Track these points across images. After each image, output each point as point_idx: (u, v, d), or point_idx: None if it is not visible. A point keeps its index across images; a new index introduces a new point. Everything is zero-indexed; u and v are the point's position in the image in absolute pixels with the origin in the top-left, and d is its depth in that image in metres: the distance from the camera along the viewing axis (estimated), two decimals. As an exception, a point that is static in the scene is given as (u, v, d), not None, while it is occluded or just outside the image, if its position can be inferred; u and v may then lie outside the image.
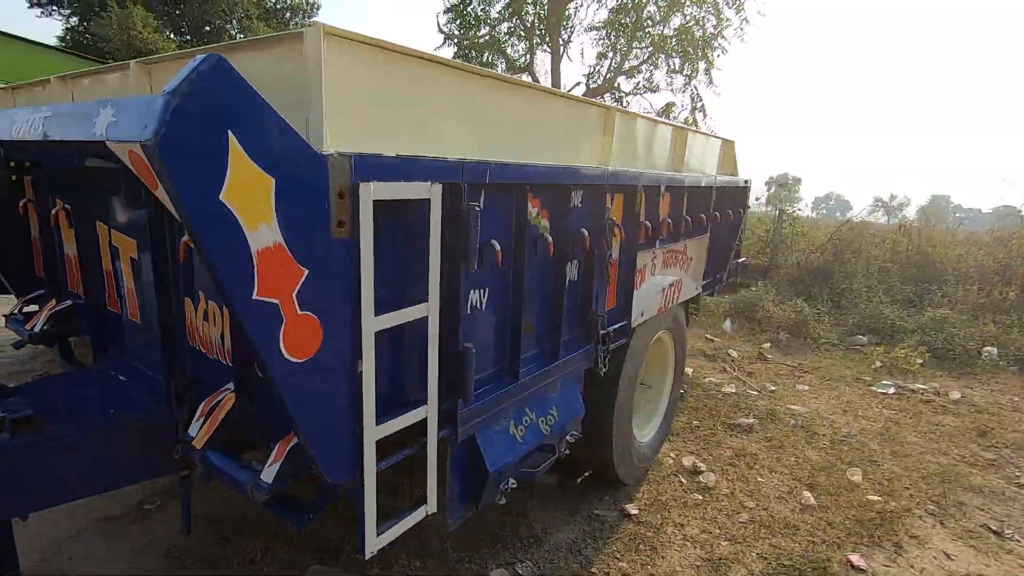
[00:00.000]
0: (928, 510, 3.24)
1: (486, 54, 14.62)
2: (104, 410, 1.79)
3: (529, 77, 14.24)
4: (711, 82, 14.75)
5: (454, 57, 15.12)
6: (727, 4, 13.83)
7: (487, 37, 14.28)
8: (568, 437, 2.28)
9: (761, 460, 3.74)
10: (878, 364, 5.90)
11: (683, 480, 3.42)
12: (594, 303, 2.34)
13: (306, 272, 1.15)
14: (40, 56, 3.08)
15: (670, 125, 3.28)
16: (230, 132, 0.97)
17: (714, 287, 3.98)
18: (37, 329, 2.32)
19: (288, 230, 1.09)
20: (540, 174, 1.85)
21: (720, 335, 6.89)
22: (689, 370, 5.45)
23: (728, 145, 4.06)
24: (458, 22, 14.59)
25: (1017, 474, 3.74)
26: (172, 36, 21.27)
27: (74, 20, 19.25)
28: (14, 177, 2.47)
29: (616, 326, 2.60)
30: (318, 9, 25.11)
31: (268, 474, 1.36)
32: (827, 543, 2.88)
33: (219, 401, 1.55)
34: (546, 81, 14.03)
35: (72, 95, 2.08)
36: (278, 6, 24.07)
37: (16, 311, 2.57)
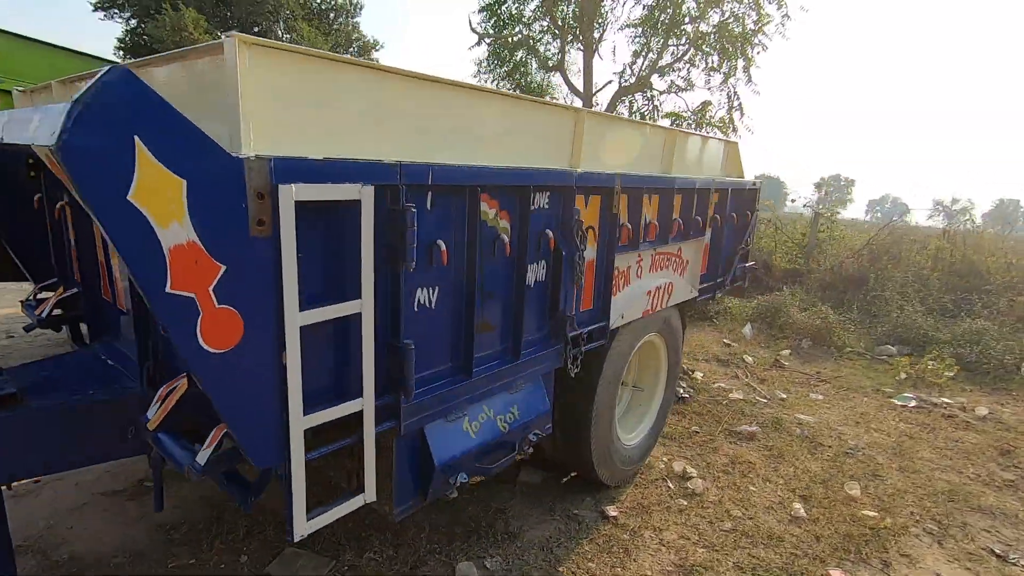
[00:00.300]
0: (927, 529, 3.11)
1: (519, 53, 14.63)
2: (84, 392, 1.92)
3: (560, 76, 14.19)
4: (750, 80, 14.33)
5: (488, 57, 15.21)
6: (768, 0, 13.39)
7: (519, 36, 14.28)
8: (531, 436, 2.31)
9: (757, 469, 3.66)
10: (902, 376, 5.65)
11: (670, 485, 3.39)
12: (562, 304, 2.35)
13: (223, 268, 1.22)
14: (48, 56, 3.29)
15: (657, 127, 3.24)
16: (136, 137, 1.05)
17: (715, 291, 3.90)
18: (44, 315, 2.51)
19: (202, 228, 1.17)
20: (492, 175, 1.88)
21: (739, 340, 6.74)
22: (699, 375, 5.37)
23: (731, 147, 3.98)
24: (492, 21, 14.65)
25: (1036, 497, 3.54)
26: (222, 36, 22.21)
27: (133, 22, 20.29)
28: (32, 173, 2.66)
29: (591, 327, 2.60)
30: (361, 8, 25.67)
31: (202, 456, 1.45)
32: (810, 557, 2.80)
33: (175, 387, 1.65)
34: (578, 80, 13.95)
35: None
36: (323, 7, 24.72)
37: (32, 297, 2.78)
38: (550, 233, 2.20)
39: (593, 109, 13.96)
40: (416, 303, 1.77)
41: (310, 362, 1.45)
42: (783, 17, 13.50)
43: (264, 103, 1.31)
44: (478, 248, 1.90)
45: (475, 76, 15.24)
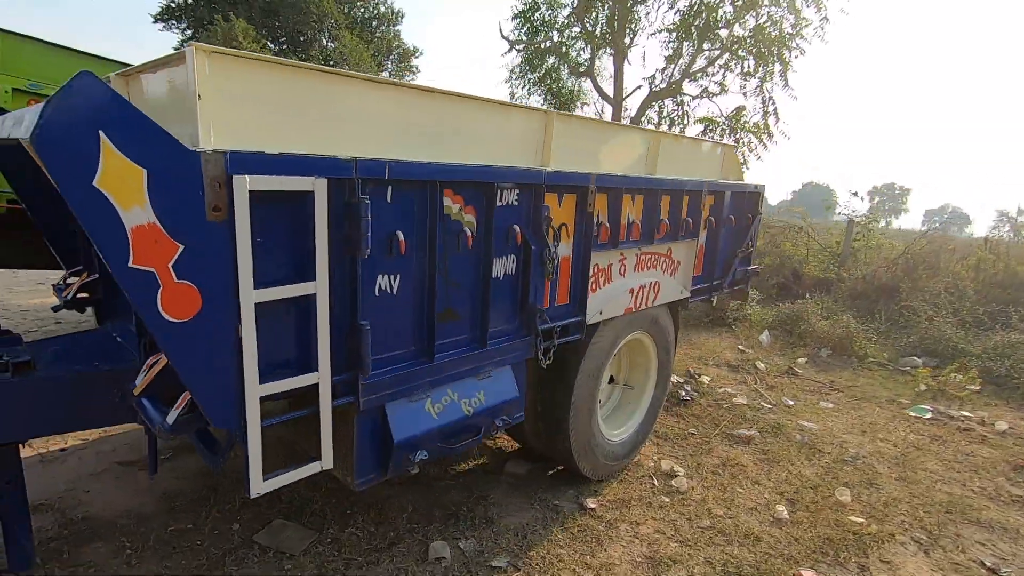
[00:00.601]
0: (915, 538, 3.05)
1: (551, 59, 14.78)
2: (90, 364, 2.15)
3: (590, 82, 14.24)
4: (787, 84, 14.05)
5: (521, 63, 15.41)
6: (806, 3, 13.12)
7: (550, 43, 14.42)
8: (498, 421, 2.41)
9: (748, 472, 3.66)
10: (922, 387, 5.48)
11: (655, 482, 3.43)
12: (532, 297, 2.46)
13: (182, 247, 1.39)
14: (60, 57, 3.59)
15: (640, 129, 3.31)
16: (101, 132, 1.23)
17: (711, 293, 3.91)
18: (69, 297, 2.78)
19: (161, 212, 1.34)
20: (454, 172, 2.01)
21: (755, 347, 6.65)
22: (706, 379, 5.35)
23: (728, 150, 3.99)
24: (525, 28, 14.85)
25: (1044, 514, 3.41)
26: (271, 45, 23.24)
27: (188, 32, 21.46)
28: None
29: (566, 322, 2.70)
30: (402, 17, 26.36)
31: (170, 417, 1.63)
32: (784, 557, 2.81)
33: (160, 358, 1.85)
34: (608, 86, 13.98)
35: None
36: (365, 15, 25.51)
37: (62, 281, 3.07)
38: (518, 228, 2.32)
39: (623, 113, 13.97)
40: (377, 288, 1.91)
41: (269, 336, 1.62)
42: (821, 20, 13.21)
43: (225, 104, 1.49)
44: (441, 240, 2.04)
45: (507, 82, 15.46)
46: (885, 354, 6.47)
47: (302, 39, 23.59)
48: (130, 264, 1.33)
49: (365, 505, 2.95)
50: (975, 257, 8.95)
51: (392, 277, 1.95)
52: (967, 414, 4.85)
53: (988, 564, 2.89)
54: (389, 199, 1.87)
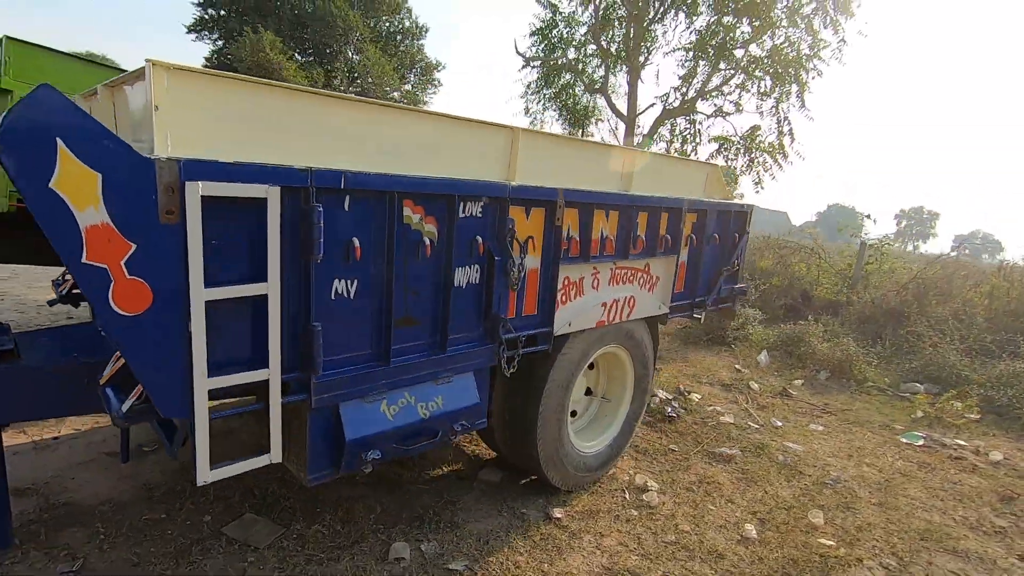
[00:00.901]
0: (883, 563, 3.02)
1: (566, 75, 14.95)
2: (71, 355, 2.28)
3: (604, 99, 14.36)
4: (803, 105, 14.01)
5: (537, 79, 15.62)
6: (823, 25, 13.12)
7: (566, 59, 14.61)
8: (457, 426, 2.48)
9: (723, 490, 3.65)
10: (919, 414, 5.38)
11: (627, 495, 3.45)
12: (496, 306, 2.53)
13: (134, 246, 1.51)
14: (75, 65, 3.79)
15: (613, 147, 3.38)
16: (58, 139, 1.35)
17: (692, 310, 3.94)
18: (64, 292, 2.95)
19: (115, 213, 1.46)
20: (414, 184, 2.11)
21: (751, 366, 6.60)
22: (696, 396, 5.34)
23: (713, 169, 4.03)
24: (543, 45, 15.08)
25: (1025, 546, 3.34)
26: (298, 57, 23.92)
27: (220, 43, 22.21)
28: None
29: (532, 332, 2.76)
30: (427, 32, 26.91)
31: (124, 406, 1.74)
32: (745, 576, 2.81)
33: (128, 351, 1.96)
34: (622, 104, 14.08)
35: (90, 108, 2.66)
36: (390, 30, 26.11)
37: (61, 276, 3.25)
38: (480, 240, 2.40)
39: (636, 131, 14.03)
40: (333, 292, 2.01)
41: (221, 332, 1.72)
42: (839, 42, 13.18)
43: (185, 116, 1.61)
44: (401, 248, 2.13)
45: (522, 97, 15.68)
46: (886, 379, 6.37)
47: (328, 51, 24.24)
48: (83, 260, 1.44)
49: (334, 504, 3.03)
50: (989, 284, 8.77)
51: (349, 282, 2.04)
52: (962, 443, 4.76)
53: (957, 594, 2.85)
54: (347, 207, 1.97)
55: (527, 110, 15.54)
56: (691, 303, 3.93)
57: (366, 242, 2.02)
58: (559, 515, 3.13)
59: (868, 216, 10.93)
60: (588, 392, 3.77)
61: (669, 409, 4.80)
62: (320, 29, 22.42)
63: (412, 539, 2.81)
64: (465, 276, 2.42)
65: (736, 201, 4.15)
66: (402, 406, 2.28)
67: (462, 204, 2.30)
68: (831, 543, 3.13)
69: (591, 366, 3.70)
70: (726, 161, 14.57)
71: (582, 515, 3.19)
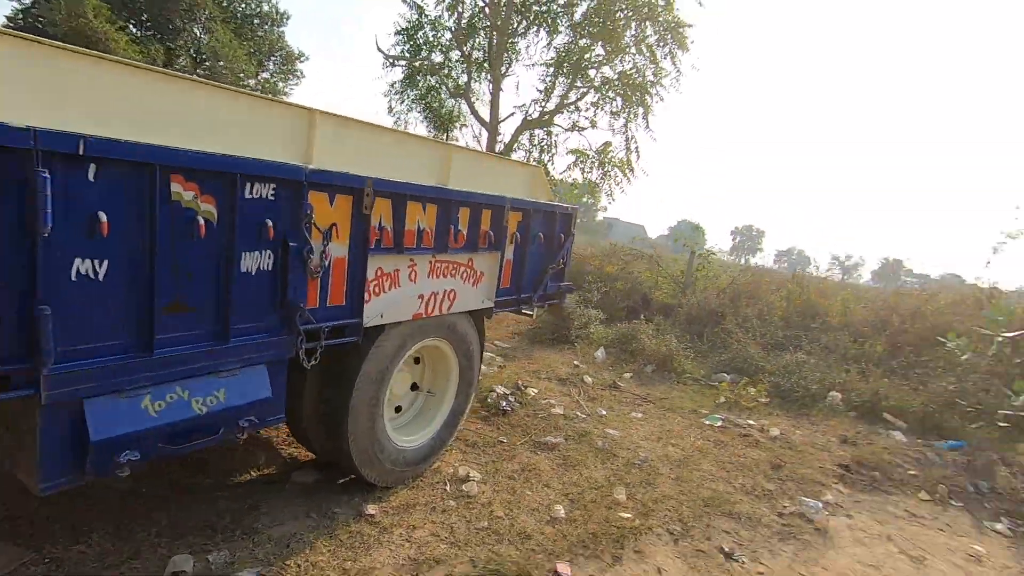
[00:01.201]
0: (670, 529, 3.37)
1: (431, 78, 14.95)
2: None
3: (465, 104, 14.60)
4: (648, 127, 15.36)
5: (402, 79, 15.42)
6: (664, 56, 14.52)
7: (430, 63, 14.62)
8: (243, 422, 2.32)
9: (543, 475, 3.83)
10: (722, 399, 6.12)
11: (447, 487, 3.48)
12: (292, 295, 2.42)
13: None
14: None
15: (427, 139, 3.45)
16: None
17: (519, 306, 4.11)
18: None
19: None
20: (182, 158, 1.94)
21: (588, 362, 7.05)
22: (532, 391, 5.56)
23: (537, 172, 4.27)
24: (408, 45, 14.93)
25: (786, 505, 3.92)
26: (133, 29, 21.20)
27: (27, 1, 18.95)
28: None
29: (338, 322, 2.68)
30: (288, 19, 25.35)
31: None
32: (548, 553, 2.96)
33: None
34: (484, 110, 14.40)
35: None
36: (246, 12, 24.21)
37: None
38: (271, 223, 2.28)
39: (498, 138, 14.41)
40: (75, 272, 1.77)
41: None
42: (676, 73, 14.65)
43: None
44: (168, 228, 1.95)
45: (385, 95, 15.40)
46: (701, 371, 7.17)
47: (170, 27, 21.81)
48: None
49: (106, 520, 2.68)
50: (786, 289, 10.28)
51: (96, 262, 1.82)
52: (751, 422, 5.49)
53: (726, 549, 3.26)
54: (91, 177, 1.76)
55: (391, 109, 15.28)
56: (517, 299, 4.09)
57: (118, 218, 1.82)
58: (372, 511, 3.07)
59: (698, 227, 12.28)
60: (415, 387, 3.75)
61: (504, 403, 4.95)
62: (159, 2, 20.11)
63: (199, 549, 2.58)
64: (255, 262, 2.29)
65: (560, 203, 4.41)
66: (171, 401, 2.08)
67: (248, 184, 2.17)
68: (629, 515, 3.42)
69: (417, 360, 3.70)
70: (582, 173, 15.53)
71: (397, 510, 3.16)
